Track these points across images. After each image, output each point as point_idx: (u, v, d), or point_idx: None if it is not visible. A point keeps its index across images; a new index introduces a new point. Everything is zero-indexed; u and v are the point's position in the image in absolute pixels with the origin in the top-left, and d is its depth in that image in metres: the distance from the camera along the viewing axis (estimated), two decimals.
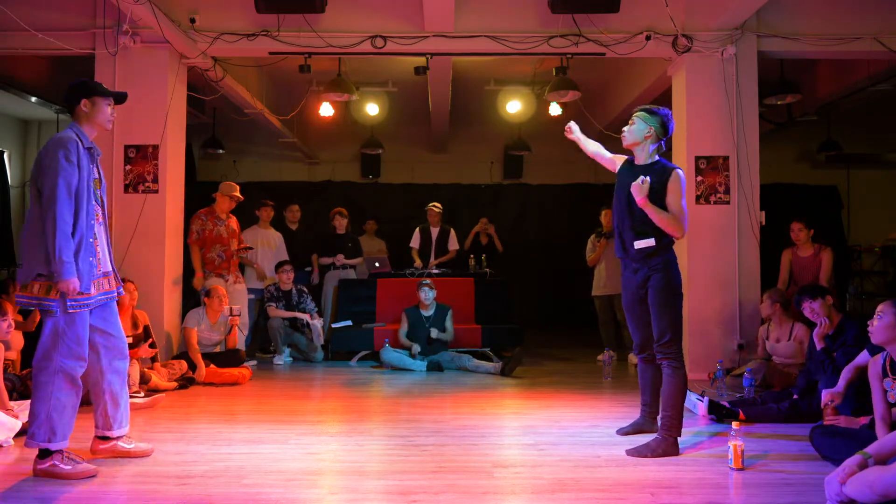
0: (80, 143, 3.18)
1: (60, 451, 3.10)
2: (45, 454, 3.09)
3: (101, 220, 3.29)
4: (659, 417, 3.60)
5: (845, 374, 3.69)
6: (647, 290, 3.56)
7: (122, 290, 3.47)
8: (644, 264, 3.56)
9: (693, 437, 3.81)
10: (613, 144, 4.03)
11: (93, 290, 3.17)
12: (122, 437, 3.38)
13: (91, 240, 3.18)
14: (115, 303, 3.42)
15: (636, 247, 3.55)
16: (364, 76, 8.08)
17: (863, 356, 3.64)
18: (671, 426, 3.48)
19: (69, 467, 3.08)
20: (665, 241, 3.53)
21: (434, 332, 6.41)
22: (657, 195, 3.50)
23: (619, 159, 3.82)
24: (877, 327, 3.19)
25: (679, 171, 3.56)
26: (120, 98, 3.39)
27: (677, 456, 3.44)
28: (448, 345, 6.50)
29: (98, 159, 3.34)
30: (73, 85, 3.30)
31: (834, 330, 4.26)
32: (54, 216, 3.01)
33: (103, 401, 3.33)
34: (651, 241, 3.51)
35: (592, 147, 3.98)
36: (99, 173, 3.33)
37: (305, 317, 6.79)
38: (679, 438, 3.51)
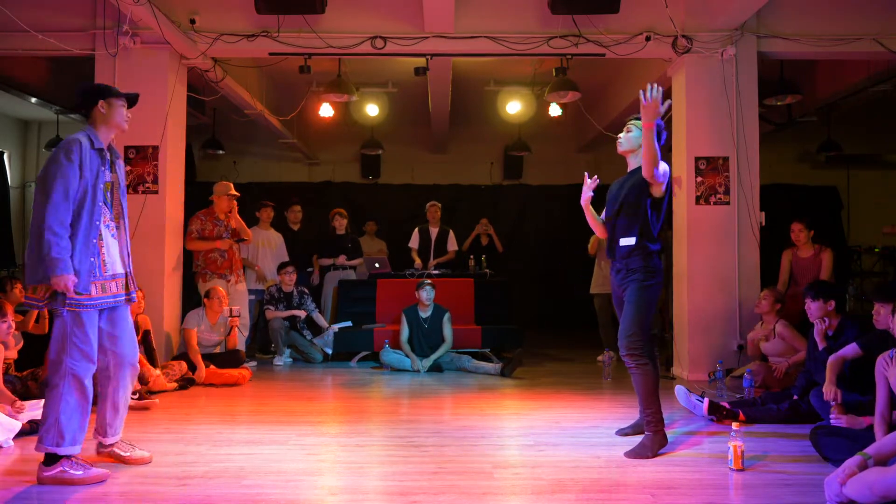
0: (88, 145, 3.12)
1: (69, 457, 3.00)
2: (52, 460, 2.99)
3: (109, 221, 3.21)
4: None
5: (832, 369, 3.80)
6: (626, 290, 3.65)
7: (135, 295, 3.33)
8: (625, 265, 3.66)
9: (693, 437, 3.81)
10: (613, 145, 4.02)
11: (94, 291, 3.09)
12: (115, 443, 3.31)
13: (94, 240, 3.10)
14: (128, 309, 3.34)
15: (620, 243, 3.67)
16: (364, 77, 8.08)
17: (850, 348, 3.78)
18: (655, 422, 3.54)
19: (80, 472, 2.98)
20: (642, 242, 3.60)
21: (430, 361, 6.25)
22: (640, 190, 3.61)
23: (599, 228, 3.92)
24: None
25: None
26: (132, 100, 3.33)
27: (674, 452, 3.45)
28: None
29: (117, 162, 3.30)
30: (86, 87, 3.27)
31: (834, 331, 4.26)
32: (47, 214, 2.96)
33: (105, 406, 3.27)
34: (631, 240, 3.62)
35: (591, 217, 3.96)
36: (117, 176, 3.28)
37: (302, 313, 6.80)
38: (678, 438, 3.51)
